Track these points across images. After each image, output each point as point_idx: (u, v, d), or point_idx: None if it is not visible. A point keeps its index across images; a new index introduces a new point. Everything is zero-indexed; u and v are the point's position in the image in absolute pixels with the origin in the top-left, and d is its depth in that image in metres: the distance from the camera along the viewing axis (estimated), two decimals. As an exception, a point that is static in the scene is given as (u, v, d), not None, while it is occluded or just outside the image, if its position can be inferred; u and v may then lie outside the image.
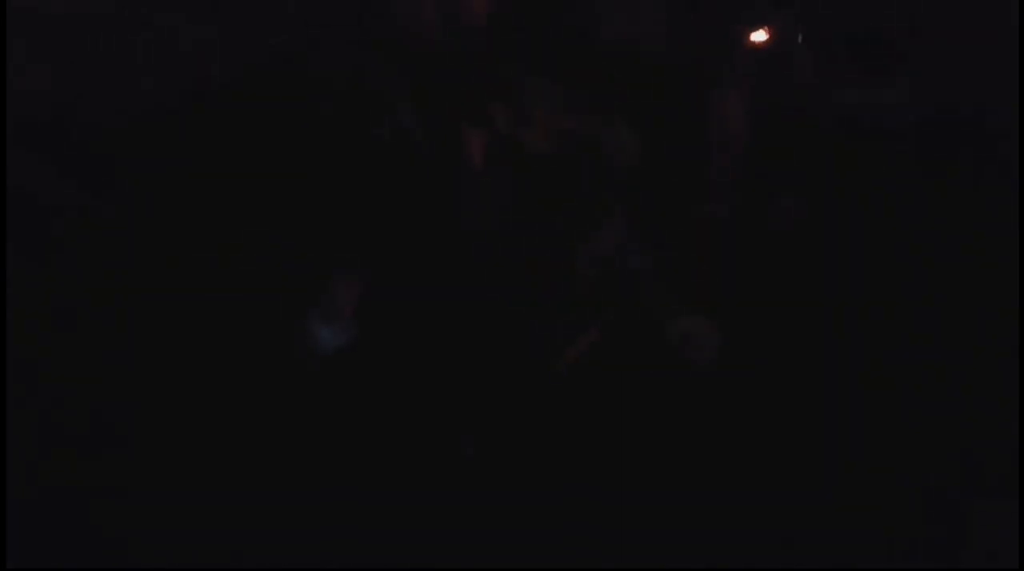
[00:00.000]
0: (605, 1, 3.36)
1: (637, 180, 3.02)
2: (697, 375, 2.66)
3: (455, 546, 2.49)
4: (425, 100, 3.12)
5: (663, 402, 2.64)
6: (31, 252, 2.86)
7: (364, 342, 2.72)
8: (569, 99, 3.11)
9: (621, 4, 3.35)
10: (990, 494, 2.59)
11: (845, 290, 2.88)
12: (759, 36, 3.09)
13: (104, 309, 2.81)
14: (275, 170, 3.01)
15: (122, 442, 2.66)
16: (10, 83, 3.00)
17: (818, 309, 2.83)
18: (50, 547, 2.50)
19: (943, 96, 3.13)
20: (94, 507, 2.56)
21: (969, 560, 2.51)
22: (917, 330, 2.82)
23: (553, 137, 3.06)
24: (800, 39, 3.16)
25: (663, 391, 2.64)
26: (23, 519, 2.50)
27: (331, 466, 2.60)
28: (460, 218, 2.93)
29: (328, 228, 2.92)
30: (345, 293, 2.69)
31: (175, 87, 3.19)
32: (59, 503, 2.56)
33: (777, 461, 2.62)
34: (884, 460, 2.64)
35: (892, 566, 2.52)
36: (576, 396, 2.68)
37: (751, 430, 2.65)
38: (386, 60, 3.21)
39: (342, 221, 2.93)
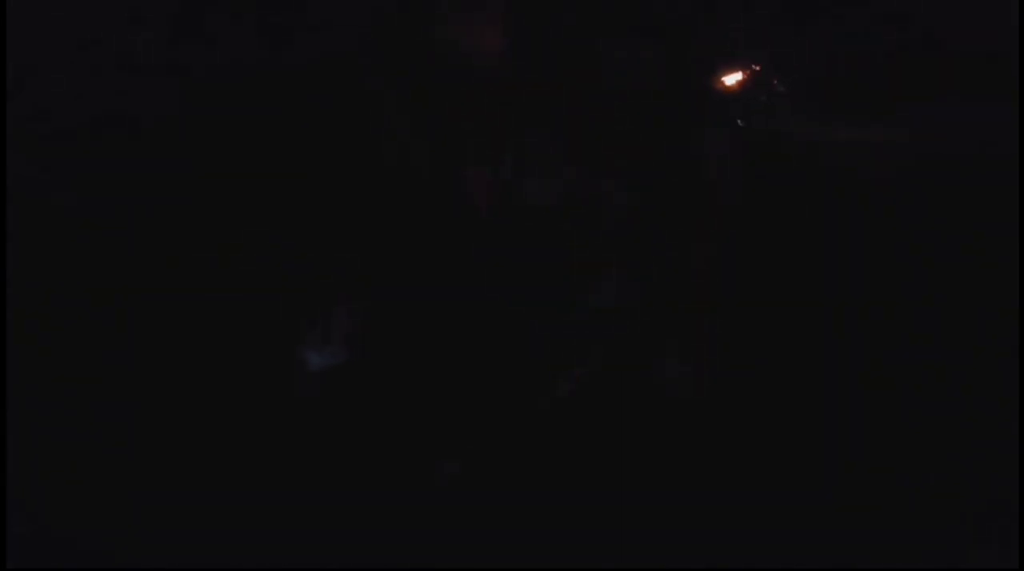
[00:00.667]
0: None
1: (634, 228, 2.99)
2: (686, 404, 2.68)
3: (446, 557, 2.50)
4: (434, 132, 3.08)
5: (660, 405, 2.65)
6: (31, 252, 2.86)
7: (356, 363, 2.73)
8: (572, 149, 3.07)
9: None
10: (990, 494, 2.59)
11: (845, 290, 2.87)
12: (734, 78, 3.03)
13: (104, 309, 2.81)
14: (277, 173, 3.00)
15: (122, 442, 2.66)
16: (10, 84, 3.00)
17: (818, 309, 2.83)
18: (50, 547, 2.50)
19: (943, 132, 3.06)
20: (94, 507, 2.56)
21: (969, 560, 2.51)
22: (917, 330, 2.82)
23: (556, 187, 3.02)
24: (778, 80, 3.09)
25: (658, 398, 2.66)
26: (23, 519, 2.50)
27: (328, 469, 2.61)
28: (458, 255, 2.91)
29: (325, 249, 2.91)
30: (339, 318, 2.70)
31: (175, 87, 3.19)
32: (59, 503, 2.56)
33: (777, 461, 2.63)
34: (884, 460, 2.65)
35: (892, 566, 2.52)
36: (569, 419, 2.70)
37: (750, 430, 2.66)
38: (397, 83, 3.17)
39: (339, 243, 2.91)
